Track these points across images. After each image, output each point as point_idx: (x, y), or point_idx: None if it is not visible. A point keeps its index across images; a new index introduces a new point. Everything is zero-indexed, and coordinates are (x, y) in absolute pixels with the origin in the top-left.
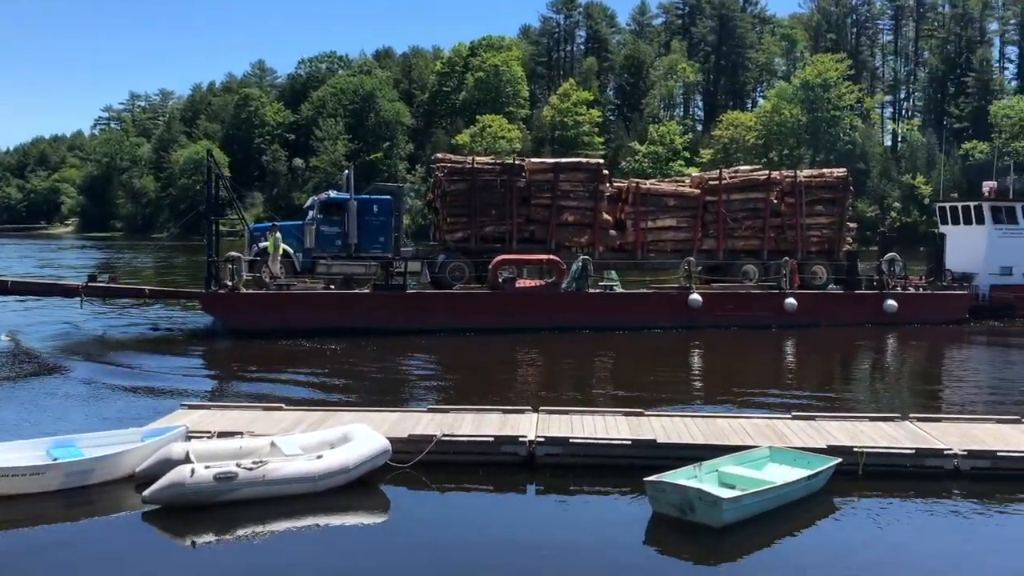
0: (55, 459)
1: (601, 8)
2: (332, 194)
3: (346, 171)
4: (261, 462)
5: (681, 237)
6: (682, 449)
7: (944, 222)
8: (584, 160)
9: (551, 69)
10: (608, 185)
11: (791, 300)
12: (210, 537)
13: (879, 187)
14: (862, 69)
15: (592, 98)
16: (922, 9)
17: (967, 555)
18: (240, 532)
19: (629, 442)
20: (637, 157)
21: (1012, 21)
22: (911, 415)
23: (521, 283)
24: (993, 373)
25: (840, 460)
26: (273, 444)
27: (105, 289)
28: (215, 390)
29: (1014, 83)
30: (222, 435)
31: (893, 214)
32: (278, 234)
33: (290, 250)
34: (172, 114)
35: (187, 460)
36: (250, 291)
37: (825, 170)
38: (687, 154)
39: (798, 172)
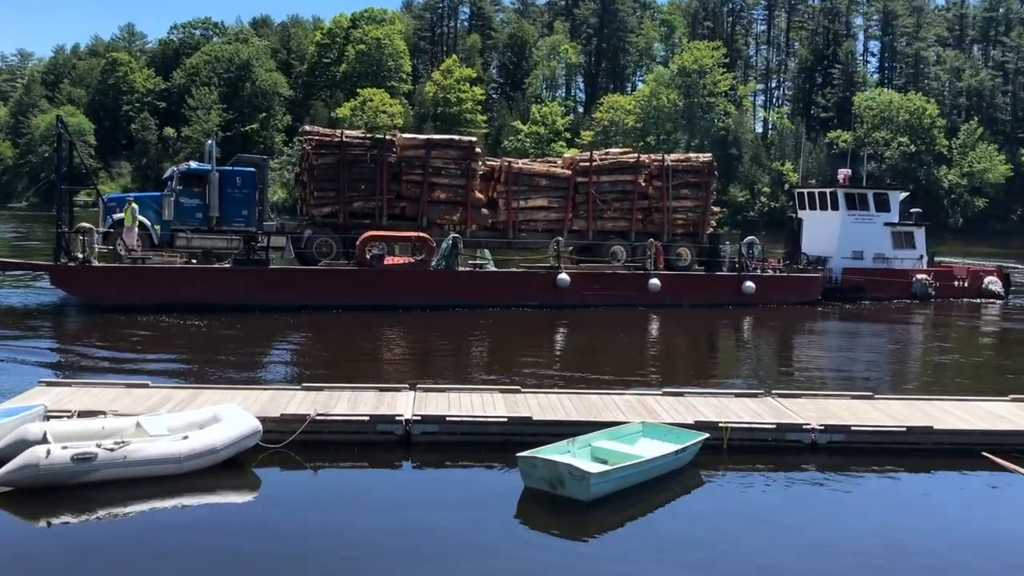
0: None
1: None
2: (193, 165)
3: (209, 142)
4: (123, 443)
5: (552, 217)
6: (557, 425)
7: (802, 207)
8: (456, 137)
9: (434, 45)
10: (480, 164)
11: (655, 281)
12: (67, 519)
13: (750, 173)
14: (736, 57)
15: (475, 75)
16: (793, 1)
17: (823, 524)
18: (100, 513)
19: (505, 419)
20: (520, 136)
21: (875, 17)
22: (773, 391)
23: (390, 260)
24: (845, 351)
25: (707, 435)
26: (139, 424)
27: None
28: (73, 368)
29: (876, 76)
30: (83, 415)
31: (763, 199)
32: (135, 205)
33: (147, 222)
34: (32, 77)
35: (45, 441)
36: (102, 264)
37: (691, 155)
38: (568, 135)
39: (666, 156)
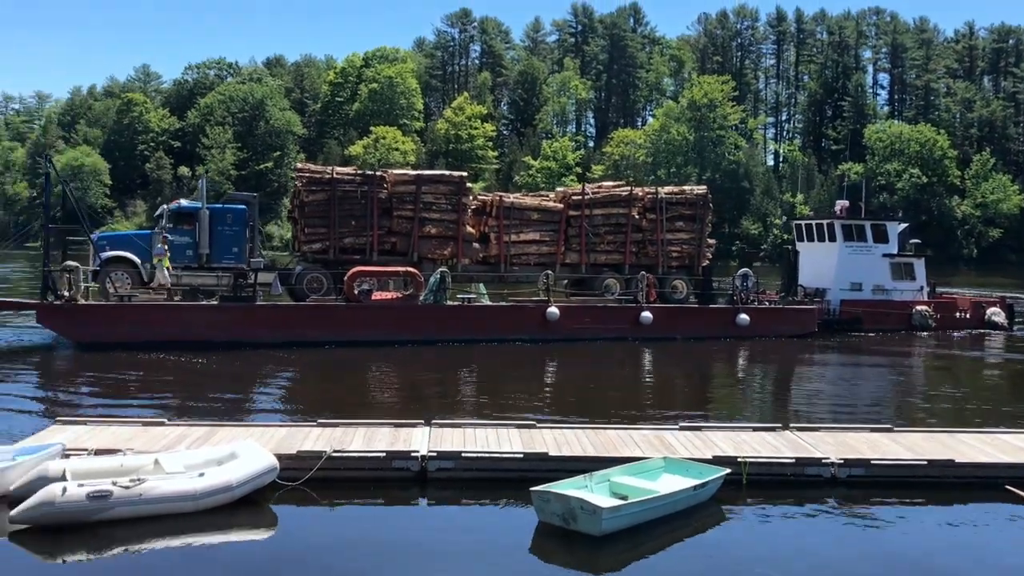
0: None
1: (496, 23)
2: (183, 203)
3: (200, 180)
4: (138, 480)
5: (544, 251)
6: (573, 461)
7: (800, 239)
8: (447, 172)
9: (445, 82)
10: (472, 198)
11: (647, 314)
12: (83, 556)
13: (762, 205)
14: (746, 91)
15: (486, 112)
16: (802, 35)
17: (847, 561)
18: (115, 551)
19: (521, 455)
20: (531, 172)
21: (884, 50)
22: (791, 425)
23: (379, 295)
24: (851, 384)
25: (729, 471)
26: (157, 461)
27: None
28: (74, 406)
29: (886, 108)
30: (99, 452)
31: (775, 231)
32: (165, 246)
33: (137, 260)
34: (49, 118)
35: (64, 478)
36: (88, 302)
37: (686, 187)
38: (579, 170)
39: (659, 189)
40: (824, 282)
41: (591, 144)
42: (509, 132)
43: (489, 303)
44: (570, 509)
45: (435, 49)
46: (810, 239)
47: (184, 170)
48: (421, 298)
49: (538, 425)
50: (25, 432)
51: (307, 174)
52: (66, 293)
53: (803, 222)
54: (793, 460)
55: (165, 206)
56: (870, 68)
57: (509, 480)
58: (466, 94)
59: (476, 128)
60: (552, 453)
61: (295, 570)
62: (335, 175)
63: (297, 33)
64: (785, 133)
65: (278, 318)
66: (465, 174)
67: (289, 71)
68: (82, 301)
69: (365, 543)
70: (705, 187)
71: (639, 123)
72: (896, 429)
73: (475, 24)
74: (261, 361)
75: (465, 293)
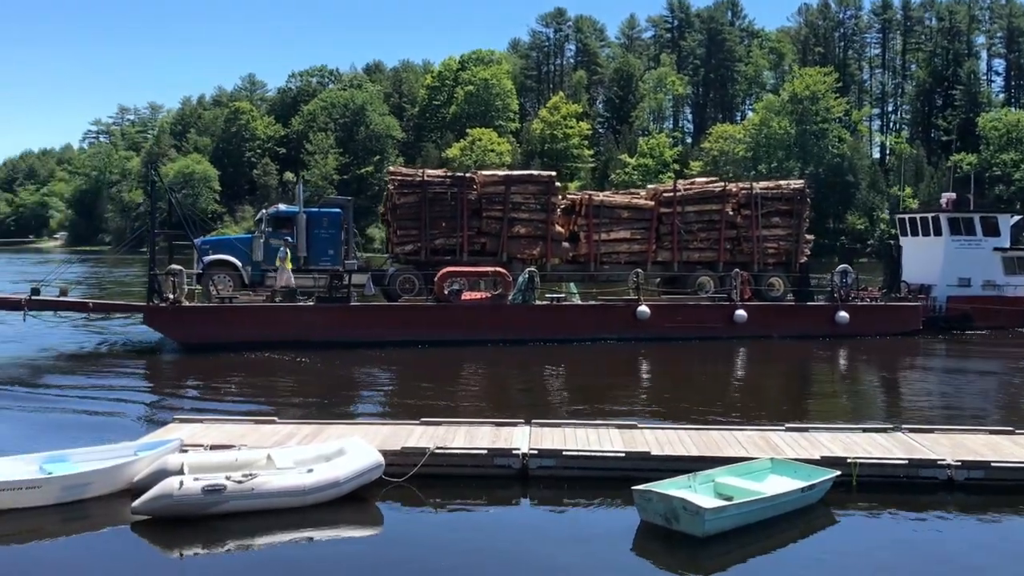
0: (49, 474)
1: (590, 22)
2: (281, 207)
3: (297, 185)
4: (251, 475)
5: (635, 249)
6: (675, 461)
7: (904, 234)
8: (536, 172)
9: (541, 82)
10: (561, 197)
11: (741, 312)
12: (199, 549)
13: (868, 200)
14: (850, 82)
15: (581, 111)
16: (909, 23)
17: (962, 567)
18: (229, 545)
19: (623, 454)
20: (627, 169)
21: (999, 34)
22: (903, 426)
23: (468, 295)
24: (963, 384)
25: (839, 472)
26: (269, 457)
27: (49, 303)
28: (191, 407)
29: (1001, 96)
30: (215, 448)
31: (882, 226)
32: (287, 248)
33: (238, 263)
34: (162, 128)
35: (181, 472)
36: (192, 304)
37: (782, 182)
38: (677, 166)
39: (754, 184)
40: (930, 278)
41: (689, 140)
42: (605, 130)
43: (579, 302)
44: (672, 509)
45: (530, 49)
46: (914, 233)
47: (289, 175)
48: (510, 298)
49: (639, 425)
50: (139, 429)
51: (399, 177)
52: (171, 296)
53: (907, 216)
54: (906, 461)
55: (264, 210)
56: (983, 54)
57: (610, 479)
58: (561, 93)
59: (571, 127)
60: (654, 452)
61: (400, 565)
62: (425, 178)
63: (395, 39)
64: (892, 124)
65: (371, 318)
66: (554, 174)
67: (388, 76)
68: (186, 303)
69: (468, 540)
70: (802, 181)
71: (738, 118)
72: (1018, 431)
73: (570, 23)
74: (358, 360)
75: (553, 292)
